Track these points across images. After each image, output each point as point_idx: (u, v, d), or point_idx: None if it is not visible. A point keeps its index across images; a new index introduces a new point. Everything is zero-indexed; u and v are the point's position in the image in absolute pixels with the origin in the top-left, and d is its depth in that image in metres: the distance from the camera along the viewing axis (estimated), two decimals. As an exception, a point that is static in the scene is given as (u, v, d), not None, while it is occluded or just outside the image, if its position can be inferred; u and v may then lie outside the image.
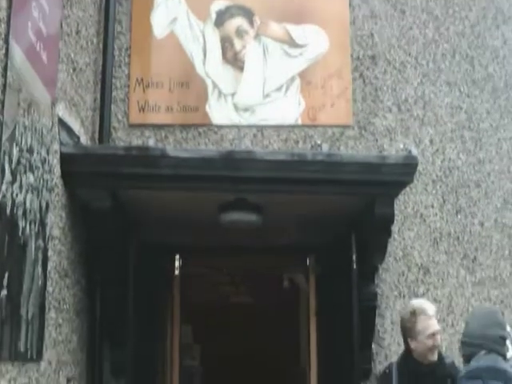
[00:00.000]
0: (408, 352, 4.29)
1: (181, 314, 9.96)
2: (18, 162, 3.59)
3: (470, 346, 3.42)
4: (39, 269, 3.95)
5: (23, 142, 3.67)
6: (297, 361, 10.00)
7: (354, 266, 5.00)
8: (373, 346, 5.62)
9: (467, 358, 3.48)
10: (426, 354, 4.12)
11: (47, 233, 4.13)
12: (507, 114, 6.34)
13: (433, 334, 4.18)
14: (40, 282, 3.97)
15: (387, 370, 4.36)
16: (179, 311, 5.31)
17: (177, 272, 5.26)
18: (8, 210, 3.44)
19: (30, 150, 3.81)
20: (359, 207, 5.04)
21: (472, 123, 6.18)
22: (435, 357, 4.09)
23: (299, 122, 5.83)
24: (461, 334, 3.66)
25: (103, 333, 5.26)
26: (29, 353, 3.79)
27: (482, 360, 3.40)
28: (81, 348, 5.04)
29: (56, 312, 4.39)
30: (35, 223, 3.88)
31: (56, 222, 4.40)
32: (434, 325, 4.17)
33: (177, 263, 5.30)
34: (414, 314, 4.23)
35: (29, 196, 3.77)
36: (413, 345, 4.21)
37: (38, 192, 3.94)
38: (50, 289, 4.22)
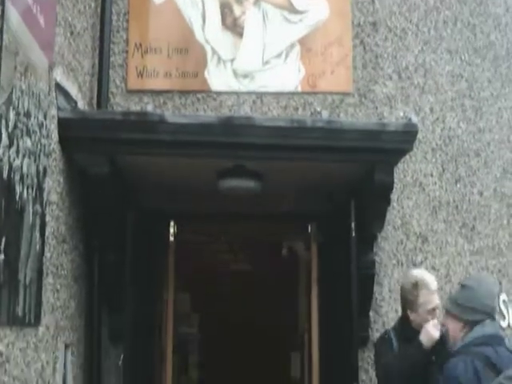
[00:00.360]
0: (406, 320, 4.30)
1: (179, 282, 10.03)
2: (15, 126, 3.56)
3: (478, 312, 3.41)
4: (37, 234, 3.94)
5: (20, 106, 3.64)
6: (295, 329, 10.04)
7: (353, 234, 4.98)
8: (370, 313, 5.64)
9: (469, 324, 3.44)
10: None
11: (45, 198, 4.11)
12: (508, 83, 6.30)
13: (433, 309, 4.19)
14: (37, 247, 3.96)
15: (386, 336, 4.37)
16: (173, 278, 5.29)
17: (172, 238, 5.23)
18: (5, 175, 3.42)
19: (27, 115, 3.78)
20: (359, 175, 5.02)
21: (473, 92, 6.14)
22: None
23: (299, 89, 5.78)
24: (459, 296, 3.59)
25: (101, 299, 5.26)
26: (27, 318, 3.79)
27: (488, 327, 3.42)
28: (79, 314, 5.05)
29: (54, 277, 4.39)
30: (32, 188, 3.86)
31: (54, 187, 4.38)
32: (435, 300, 4.18)
33: (171, 230, 5.28)
34: (416, 286, 4.22)
35: (26, 161, 3.74)
36: (412, 316, 4.22)
37: (35, 157, 3.92)
38: (47, 254, 4.21)
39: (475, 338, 3.33)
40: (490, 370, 3.17)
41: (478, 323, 3.39)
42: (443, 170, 5.97)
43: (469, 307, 3.43)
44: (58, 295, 4.49)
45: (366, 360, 5.60)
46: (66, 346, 4.68)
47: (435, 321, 4.15)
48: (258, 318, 13.72)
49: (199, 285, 11.67)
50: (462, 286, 3.57)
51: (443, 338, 3.97)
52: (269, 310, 13.58)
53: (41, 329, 4.09)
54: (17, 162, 3.58)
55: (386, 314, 5.69)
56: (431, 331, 4.12)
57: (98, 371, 5.26)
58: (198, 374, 10.22)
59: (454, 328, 3.50)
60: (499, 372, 3.14)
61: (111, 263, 5.10)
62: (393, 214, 5.73)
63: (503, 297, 5.93)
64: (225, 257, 9.39)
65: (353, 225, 4.98)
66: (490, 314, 3.44)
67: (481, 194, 6.03)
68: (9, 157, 3.46)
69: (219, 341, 12.79)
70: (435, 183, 5.94)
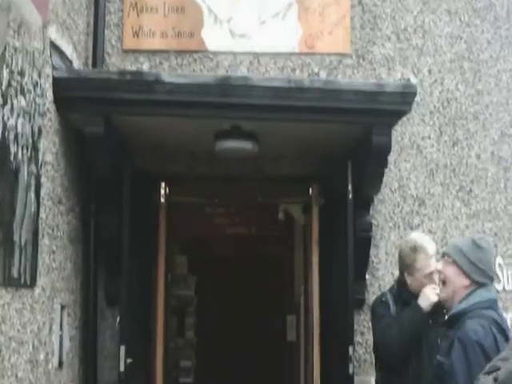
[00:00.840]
0: (403, 283, 4.30)
1: (175, 245, 10.04)
2: (9, 85, 3.50)
3: (486, 276, 3.35)
4: (32, 194, 3.91)
5: (13, 64, 3.58)
6: (291, 292, 10.08)
7: (350, 196, 4.96)
8: (367, 276, 5.64)
9: (474, 284, 3.38)
10: (421, 290, 4.15)
11: (40, 158, 4.07)
12: (508, 45, 6.24)
13: (430, 274, 4.18)
14: (33, 208, 3.93)
15: (383, 299, 4.38)
16: (165, 240, 5.26)
17: (164, 200, 5.19)
18: (-1, 134, 3.39)
19: (21, 73, 3.72)
20: (356, 136, 4.99)
21: (472, 54, 6.08)
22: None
23: (296, 49, 5.70)
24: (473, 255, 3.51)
25: (98, 261, 5.26)
26: (22, 278, 3.77)
27: (493, 292, 3.40)
28: (75, 276, 5.04)
29: (50, 239, 4.36)
30: (27, 148, 3.82)
31: (49, 147, 4.33)
32: (432, 265, 4.17)
33: (164, 191, 5.23)
34: (414, 250, 4.22)
35: (20, 120, 3.69)
36: (409, 280, 4.23)
37: (29, 116, 3.87)
38: (43, 215, 4.18)
39: (481, 301, 3.28)
40: (501, 334, 3.15)
41: (482, 286, 3.35)
42: (441, 133, 5.93)
43: (480, 268, 3.35)
44: (54, 257, 4.48)
45: (362, 323, 5.62)
46: (63, 308, 4.68)
47: (433, 285, 4.15)
48: (255, 282, 13.82)
49: (196, 248, 11.71)
50: (477, 246, 3.39)
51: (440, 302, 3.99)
52: (265, 273, 13.66)
53: (37, 290, 4.08)
54: (11, 122, 3.54)
55: (382, 277, 5.70)
56: (430, 295, 4.12)
57: (95, 333, 5.27)
58: (194, 336, 10.25)
59: (459, 284, 3.35)
60: (506, 337, 3.15)
61: (107, 225, 5.08)
62: (390, 177, 5.71)
63: (499, 260, 5.94)
64: (221, 220, 9.37)
65: (350, 187, 4.96)
66: (493, 278, 3.40)
67: (478, 157, 6.00)
68: (3, 115, 3.41)
69: (215, 304, 12.89)
70: (432, 146, 5.90)
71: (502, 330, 3.16)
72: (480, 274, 3.34)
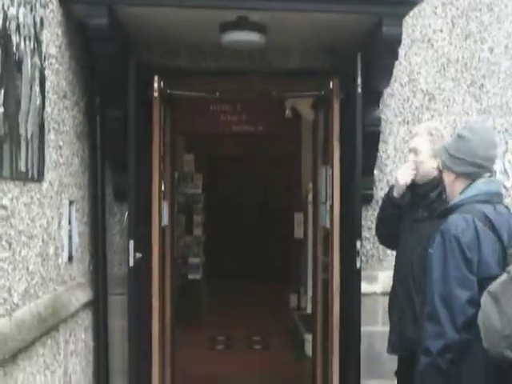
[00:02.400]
0: None
1: (181, 142, 10.01)
2: (8, -28, 3.38)
3: (473, 165, 3.27)
4: (36, 88, 3.84)
5: (12, -49, 3.45)
6: (298, 192, 10.14)
7: (359, 90, 4.86)
8: (375, 172, 5.63)
9: (460, 176, 3.34)
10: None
11: (43, 51, 3.98)
12: None
13: (410, 151, 4.17)
14: (38, 102, 3.87)
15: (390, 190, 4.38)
16: (159, 136, 5.16)
17: (156, 94, 5.05)
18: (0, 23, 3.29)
19: (21, -40, 3.59)
20: (367, 28, 4.85)
21: None
22: (417, 178, 4.11)
23: None
24: (452, 146, 3.45)
25: (105, 156, 5.23)
26: (30, 173, 3.75)
27: (492, 185, 3.33)
28: (82, 171, 5.03)
29: (56, 134, 4.33)
30: (30, 39, 3.72)
31: (52, 39, 4.22)
32: (413, 142, 4.17)
33: (156, 85, 5.07)
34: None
35: (21, 10, 3.58)
36: None
37: (31, 6, 3.74)
38: (48, 109, 4.12)
39: (477, 194, 3.23)
40: (490, 229, 3.12)
41: (472, 176, 3.28)
42: (453, 26, 5.78)
43: (459, 158, 3.28)
44: (61, 152, 4.45)
45: (370, 218, 5.64)
46: (71, 203, 4.69)
47: (408, 163, 4.13)
48: (261, 179, 13.88)
49: (202, 146, 11.70)
50: (458, 137, 3.37)
51: (426, 190, 4.02)
52: (272, 171, 13.72)
53: (44, 184, 4.07)
54: (12, 11, 3.43)
55: (390, 172, 5.68)
56: (399, 175, 4.13)
57: (103, 228, 5.30)
58: (202, 234, 10.38)
59: (448, 181, 3.39)
60: (497, 232, 3.13)
61: (113, 120, 5.02)
62: (400, 71, 5.61)
63: (508, 156, 5.90)
64: (228, 118, 9.32)
65: (359, 80, 4.85)
66: (483, 166, 3.26)
67: (491, 50, 5.86)
68: (3, 4, 3.31)
69: (222, 201, 13.01)
70: (444, 39, 5.77)
71: (492, 226, 3.12)
72: (459, 164, 3.28)
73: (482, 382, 3.00)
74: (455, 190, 3.34)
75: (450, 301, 2.96)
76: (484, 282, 2.86)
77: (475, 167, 3.27)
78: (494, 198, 3.26)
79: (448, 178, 3.40)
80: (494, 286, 2.06)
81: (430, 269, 3.11)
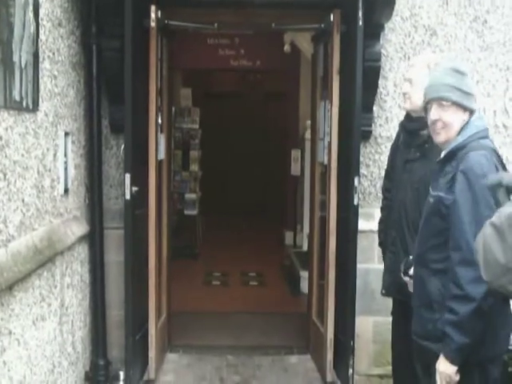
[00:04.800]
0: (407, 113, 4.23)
1: (178, 76, 9.89)
2: None
3: (474, 99, 3.20)
4: (30, 14, 3.74)
5: None
6: (296, 129, 10.08)
7: (360, 23, 4.76)
8: (374, 108, 5.56)
9: (469, 113, 3.25)
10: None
11: (36, -24, 3.87)
12: None
13: (404, 80, 4.11)
14: (32, 29, 3.78)
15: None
16: (156, 67, 5.04)
17: (153, 24, 4.92)
18: None
19: None
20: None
21: None
22: (407, 106, 4.07)
23: None
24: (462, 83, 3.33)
25: (100, 88, 5.15)
26: (24, 102, 3.70)
27: (483, 120, 3.25)
28: (78, 102, 4.96)
29: (51, 63, 4.25)
30: (22, -37, 3.61)
31: (44, -36, 4.11)
32: (409, 72, 4.09)
33: (153, 15, 4.94)
34: None
35: None
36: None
37: None
38: (42, 37, 4.04)
39: (478, 131, 3.15)
40: (499, 163, 3.09)
41: (472, 114, 3.22)
42: (457, -42, 5.64)
43: (471, 94, 3.22)
44: (56, 82, 4.38)
45: (368, 155, 5.60)
46: (66, 135, 4.64)
47: None
48: (259, 115, 13.78)
49: (200, 80, 11.58)
50: (462, 73, 3.20)
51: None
52: (269, 107, 13.62)
53: (39, 115, 4.02)
54: None
55: (389, 109, 5.62)
56: None
57: (99, 161, 5.26)
58: (199, 170, 10.34)
59: (457, 120, 3.17)
60: (503, 165, 3.10)
61: (109, 50, 4.93)
62: (401, 4, 5.47)
63: (509, 95, 5.83)
64: (226, 52, 9.18)
65: (360, 13, 4.75)
66: (474, 98, 3.22)
67: (496, -17, 5.73)
68: None
69: (219, 136, 12.94)
70: (448, -29, 5.63)
71: (500, 160, 3.09)
72: (472, 100, 3.20)
73: (504, 317, 3.01)
74: (455, 129, 3.19)
75: None
76: None
77: (471, 98, 3.21)
78: (488, 132, 3.22)
79: (458, 116, 3.19)
80: (497, 218, 2.01)
81: (458, 213, 2.97)
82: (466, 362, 2.98)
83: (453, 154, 3.13)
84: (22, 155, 3.70)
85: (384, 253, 4.35)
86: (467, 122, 3.18)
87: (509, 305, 2.89)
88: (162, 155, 5.50)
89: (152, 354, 5.27)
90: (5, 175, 3.43)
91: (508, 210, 1.96)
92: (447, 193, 3.06)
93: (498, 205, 2.28)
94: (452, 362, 2.98)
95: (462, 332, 2.92)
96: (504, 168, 3.07)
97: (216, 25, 5.37)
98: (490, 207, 2.83)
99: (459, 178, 3.00)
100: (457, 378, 2.99)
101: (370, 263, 5.47)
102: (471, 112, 3.21)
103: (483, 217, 2.76)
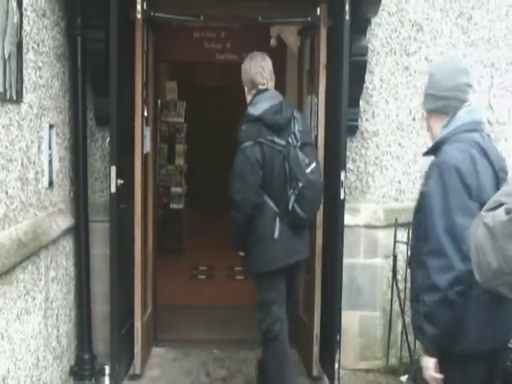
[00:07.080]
0: None
1: (164, 69, 9.82)
2: None
3: (441, 99, 3.18)
4: (13, 4, 3.70)
5: None
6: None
7: (347, 17, 4.75)
8: (361, 103, 5.56)
9: (434, 113, 3.26)
10: None
11: (20, -36, 3.83)
12: None
13: None
14: (15, 19, 3.74)
15: None
16: (142, 60, 5.00)
17: (139, 16, 4.88)
18: None
19: None
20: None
21: None
22: None
23: None
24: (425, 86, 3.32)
25: (85, 80, 5.11)
26: (8, 93, 3.66)
27: (474, 113, 3.24)
28: (63, 94, 4.92)
29: (35, 54, 4.21)
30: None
31: (29, -46, 4.07)
32: None
33: (139, 6, 4.89)
34: None
35: None
36: None
37: None
38: (26, 28, 4.00)
39: (464, 124, 3.14)
40: (483, 156, 3.07)
41: (444, 110, 3.18)
42: (443, -46, 5.65)
43: (429, 94, 3.22)
44: (40, 73, 4.34)
45: (355, 150, 5.60)
46: (51, 127, 4.61)
47: None
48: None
49: (185, 74, 11.53)
50: (429, 76, 3.26)
51: None
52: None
53: (23, 106, 3.98)
54: None
55: (376, 103, 5.63)
56: None
57: (84, 154, 5.22)
58: (184, 163, 10.29)
59: (427, 122, 3.29)
60: (489, 158, 3.08)
61: (95, 41, 4.89)
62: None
63: (494, 91, 5.86)
64: (212, 46, 9.11)
65: (347, 7, 4.74)
66: (453, 97, 3.14)
67: (481, -20, 5.75)
68: None
69: (204, 130, 12.89)
70: (434, -33, 5.64)
71: (484, 153, 3.06)
72: (430, 101, 3.18)
73: (485, 310, 2.96)
74: (434, 129, 3.23)
75: (453, 230, 2.85)
76: (482, 207, 2.79)
77: (444, 101, 3.16)
78: (480, 126, 3.20)
79: (426, 118, 3.31)
80: (491, 220, 1.99)
81: (429, 205, 2.97)
82: (444, 355, 2.97)
83: (437, 148, 3.14)
84: (6, 147, 3.67)
85: None
86: (452, 117, 3.17)
87: (503, 301, 2.87)
88: (147, 148, 5.47)
89: (138, 348, 5.25)
90: (-12, 167, 3.40)
91: (502, 217, 1.94)
92: (425, 185, 3.07)
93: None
94: (429, 354, 2.98)
95: (431, 322, 2.91)
96: (489, 161, 3.06)
97: (202, 17, 5.34)
98: (459, 197, 2.88)
99: (432, 170, 3.02)
100: (437, 375, 2.97)
101: (356, 258, 5.47)
102: (439, 111, 3.20)
103: (452, 206, 2.85)
